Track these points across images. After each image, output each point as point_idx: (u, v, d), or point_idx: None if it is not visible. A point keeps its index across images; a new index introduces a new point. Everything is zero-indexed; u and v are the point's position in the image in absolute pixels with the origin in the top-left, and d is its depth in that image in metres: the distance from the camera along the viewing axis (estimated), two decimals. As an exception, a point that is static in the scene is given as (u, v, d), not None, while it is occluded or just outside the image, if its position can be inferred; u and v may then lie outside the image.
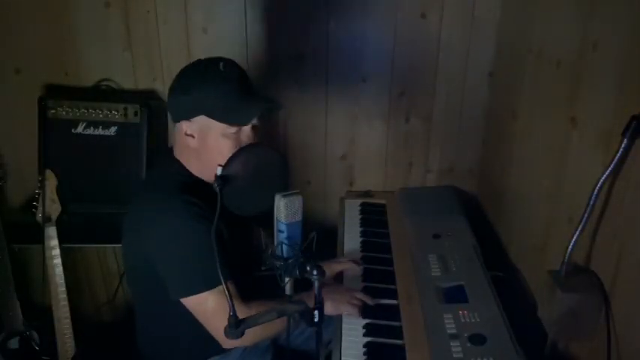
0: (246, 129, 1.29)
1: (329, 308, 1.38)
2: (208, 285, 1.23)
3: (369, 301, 1.44)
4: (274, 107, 1.32)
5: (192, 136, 1.29)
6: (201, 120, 1.27)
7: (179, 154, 1.36)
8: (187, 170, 1.35)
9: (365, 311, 1.41)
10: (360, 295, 1.44)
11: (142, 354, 1.50)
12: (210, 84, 1.26)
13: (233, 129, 1.27)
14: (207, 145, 1.28)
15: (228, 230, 1.33)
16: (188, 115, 1.28)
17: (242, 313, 1.25)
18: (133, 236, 1.33)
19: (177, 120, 1.31)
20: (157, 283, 1.28)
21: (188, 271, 1.25)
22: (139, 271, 1.36)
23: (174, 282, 1.27)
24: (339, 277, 1.58)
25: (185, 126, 1.29)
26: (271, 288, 1.30)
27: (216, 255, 0.98)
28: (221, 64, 1.27)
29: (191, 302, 1.26)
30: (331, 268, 1.58)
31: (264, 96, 1.35)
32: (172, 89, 1.31)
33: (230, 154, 1.25)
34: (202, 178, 1.34)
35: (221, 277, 0.96)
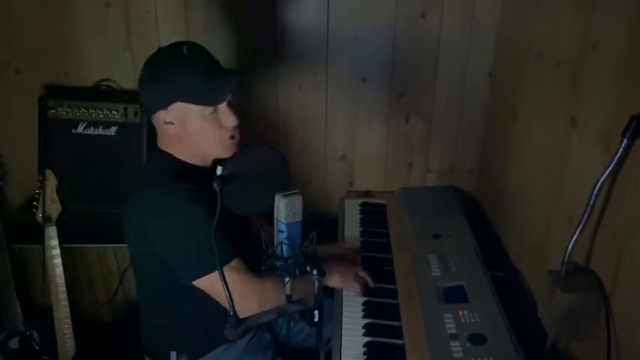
0: (222, 107, 1.30)
1: (336, 281, 1.45)
2: (220, 263, 1.23)
3: (370, 283, 1.49)
4: (238, 80, 1.33)
5: (172, 124, 1.30)
6: (178, 106, 1.28)
7: (163, 144, 1.37)
8: (175, 158, 1.35)
9: (365, 311, 1.42)
10: (363, 274, 1.50)
11: (147, 347, 1.52)
12: (178, 69, 1.26)
13: (209, 109, 1.28)
14: (188, 129, 1.30)
15: (229, 222, 1.34)
16: (164, 104, 1.29)
17: (255, 285, 1.29)
18: (135, 229, 1.34)
19: (153, 111, 1.32)
20: (165, 274, 1.30)
21: (195, 253, 1.26)
22: (146, 264, 1.38)
23: (185, 266, 1.29)
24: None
25: (163, 115, 1.30)
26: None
27: (213, 240, 0.98)
28: (184, 47, 1.28)
29: (205, 283, 1.27)
30: (332, 251, 1.65)
31: (229, 71, 1.36)
32: (142, 82, 1.30)
33: (212, 136, 1.30)
34: (190, 162, 1.35)
35: (218, 264, 0.97)
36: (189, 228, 1.25)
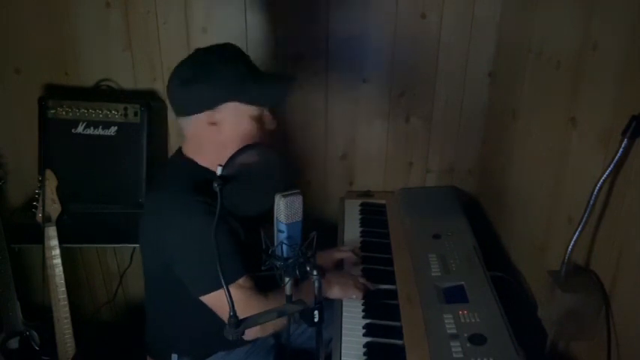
0: (266, 111, 1.31)
1: (337, 292, 1.45)
2: (226, 281, 1.23)
3: (371, 287, 1.50)
4: (294, 80, 1.38)
5: (215, 125, 1.29)
6: (229, 106, 1.27)
7: (191, 150, 1.36)
8: (198, 165, 1.35)
9: (365, 311, 1.42)
10: (363, 280, 1.50)
11: (150, 347, 1.52)
12: (234, 69, 1.26)
13: (257, 110, 1.29)
14: (228, 131, 1.29)
15: (244, 228, 1.34)
16: (214, 104, 1.27)
17: (261, 304, 1.28)
18: (150, 233, 1.35)
19: (195, 112, 1.29)
20: (173, 281, 1.29)
21: (208, 268, 1.25)
22: (156, 268, 1.38)
23: (194, 280, 1.28)
24: (339, 266, 1.63)
25: (208, 116, 1.28)
26: (271, 288, 1.32)
27: (216, 253, 0.98)
28: (234, 46, 1.30)
29: (211, 299, 1.27)
30: (332, 256, 1.64)
31: (275, 72, 1.38)
32: (185, 81, 1.27)
33: (253, 137, 1.28)
34: (213, 169, 1.34)
35: (222, 281, 0.96)
36: (201, 243, 1.23)
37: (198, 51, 1.33)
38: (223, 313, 1.27)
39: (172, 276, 1.30)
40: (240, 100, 1.27)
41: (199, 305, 1.29)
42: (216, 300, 1.27)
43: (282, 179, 1.16)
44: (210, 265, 1.23)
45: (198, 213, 1.24)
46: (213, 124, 1.29)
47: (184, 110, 1.31)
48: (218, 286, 1.23)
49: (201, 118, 1.29)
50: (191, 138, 1.35)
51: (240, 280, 1.28)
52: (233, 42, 1.83)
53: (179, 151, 1.40)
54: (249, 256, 1.29)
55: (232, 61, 1.27)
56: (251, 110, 1.28)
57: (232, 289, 1.24)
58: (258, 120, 1.30)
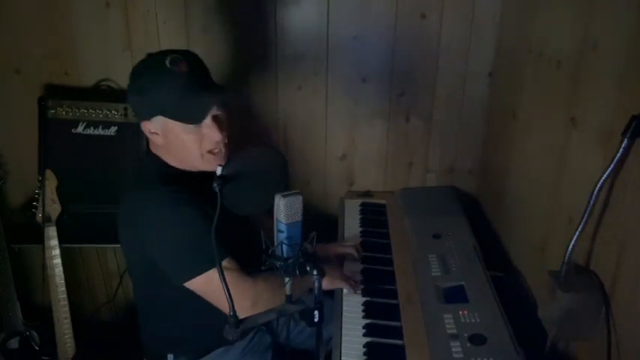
0: (207, 121, 1.27)
1: (325, 283, 1.41)
2: (211, 263, 1.23)
3: (358, 277, 1.52)
4: (223, 97, 1.30)
5: (157, 134, 1.30)
6: (160, 119, 1.27)
7: (154, 149, 1.37)
8: (164, 162, 1.35)
9: (365, 311, 1.42)
10: (348, 272, 1.53)
11: (146, 349, 1.51)
12: (159, 84, 1.24)
13: (191, 125, 1.26)
14: (171, 141, 1.29)
15: (225, 221, 1.33)
16: (147, 116, 1.28)
17: (246, 285, 1.29)
18: (127, 233, 1.35)
19: (139, 120, 1.31)
20: (159, 277, 1.29)
21: (187, 254, 1.26)
22: (140, 267, 1.38)
23: (176, 268, 1.28)
24: (340, 261, 1.63)
25: (148, 125, 1.30)
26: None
27: (213, 241, 0.98)
28: (167, 59, 1.24)
29: (197, 284, 1.26)
30: (334, 249, 1.66)
31: (213, 87, 1.32)
32: (128, 90, 1.29)
33: (194, 149, 1.27)
34: (179, 167, 1.35)
35: (217, 258, 0.96)
36: (177, 230, 1.25)
37: (146, 58, 1.31)
38: (211, 297, 1.27)
39: (158, 274, 1.29)
40: (166, 116, 1.26)
41: (189, 301, 1.29)
42: (201, 285, 1.26)
43: (283, 179, 1.16)
44: (189, 251, 1.24)
45: (169, 202, 1.24)
46: (154, 133, 1.30)
47: (135, 114, 1.34)
48: (200, 271, 1.24)
49: (144, 125, 1.31)
50: (149, 140, 1.36)
51: (224, 262, 1.27)
52: (233, 42, 1.85)
53: (147, 148, 1.40)
54: (226, 239, 1.27)
55: (162, 75, 1.24)
56: (181, 124, 1.26)
57: (216, 271, 1.24)
58: (195, 132, 1.27)
